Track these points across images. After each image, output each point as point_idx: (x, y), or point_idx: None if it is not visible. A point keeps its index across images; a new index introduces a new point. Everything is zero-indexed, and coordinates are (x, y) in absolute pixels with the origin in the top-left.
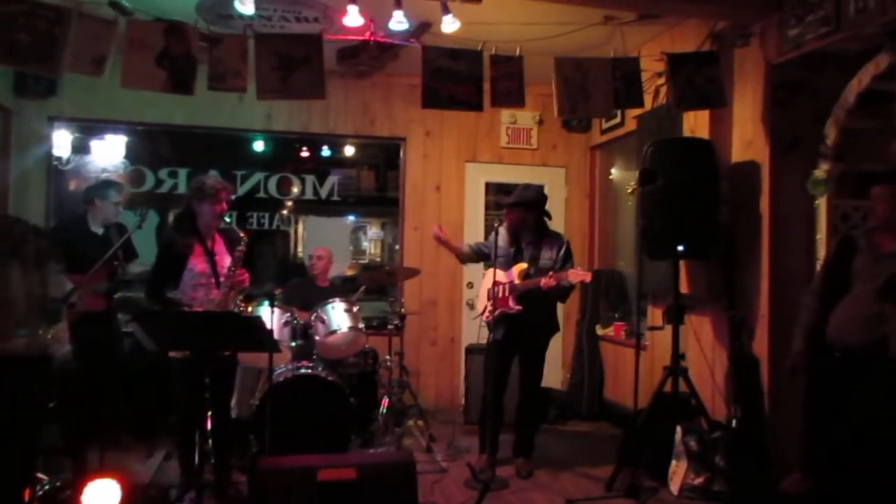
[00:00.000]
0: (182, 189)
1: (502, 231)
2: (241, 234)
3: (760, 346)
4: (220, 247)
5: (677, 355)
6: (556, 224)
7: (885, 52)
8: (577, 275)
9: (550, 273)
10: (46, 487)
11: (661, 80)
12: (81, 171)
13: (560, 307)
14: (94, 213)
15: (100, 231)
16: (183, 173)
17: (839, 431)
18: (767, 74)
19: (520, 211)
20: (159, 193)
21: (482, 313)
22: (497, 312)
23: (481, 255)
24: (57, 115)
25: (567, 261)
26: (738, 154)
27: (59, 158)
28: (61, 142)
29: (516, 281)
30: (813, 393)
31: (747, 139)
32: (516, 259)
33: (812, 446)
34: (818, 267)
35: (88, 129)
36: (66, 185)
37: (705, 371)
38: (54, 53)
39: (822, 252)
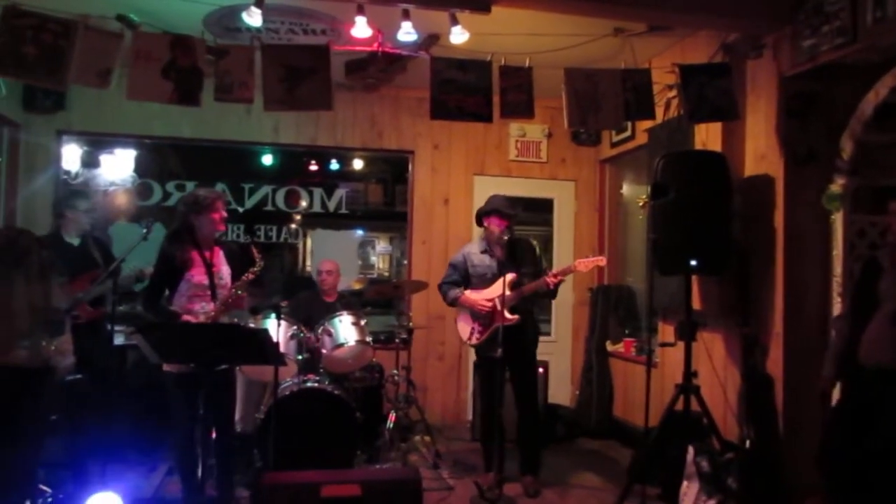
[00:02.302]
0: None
1: (474, 250)
2: (258, 259)
3: (775, 364)
4: (218, 258)
5: (689, 373)
6: (566, 238)
7: None
8: (587, 264)
9: (554, 271)
10: (49, 500)
11: (673, 93)
12: (90, 185)
13: (569, 322)
14: (67, 225)
15: (76, 242)
16: (190, 186)
17: (863, 453)
18: (781, 86)
19: (509, 218)
20: (167, 206)
21: (469, 337)
22: (493, 328)
23: (462, 284)
24: (65, 129)
25: (541, 261)
26: (751, 167)
27: (67, 172)
28: (70, 156)
29: (508, 292)
30: (838, 413)
31: (760, 152)
32: (501, 271)
33: (831, 468)
34: (834, 284)
35: (97, 142)
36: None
37: (717, 390)
38: (61, 66)
39: (838, 268)
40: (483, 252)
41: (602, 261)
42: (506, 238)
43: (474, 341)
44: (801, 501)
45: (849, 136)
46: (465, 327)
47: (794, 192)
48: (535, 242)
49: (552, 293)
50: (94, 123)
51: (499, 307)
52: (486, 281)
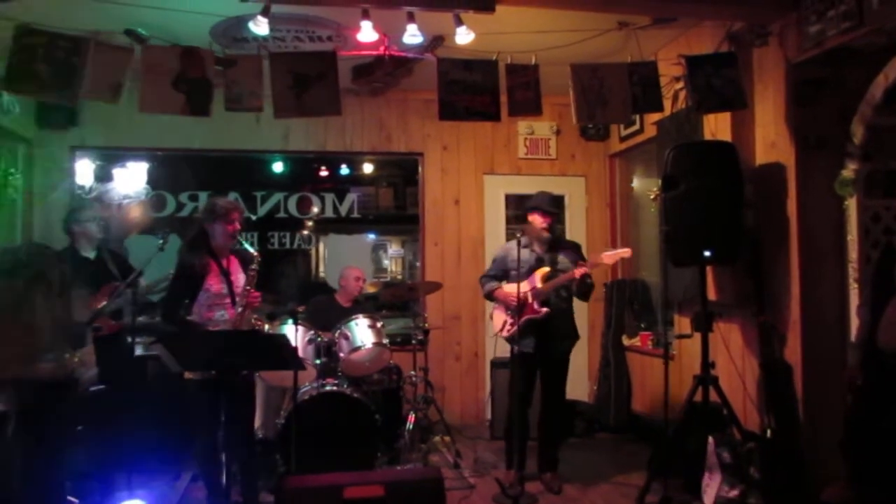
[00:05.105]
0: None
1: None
2: (255, 254)
3: (793, 352)
4: (234, 266)
5: (707, 364)
6: (578, 233)
7: None
8: (612, 256)
9: (580, 262)
10: None
11: (680, 85)
12: (104, 199)
13: (585, 318)
14: (79, 239)
15: (91, 255)
16: (203, 197)
17: (885, 438)
18: (788, 73)
19: (552, 215)
20: (180, 217)
21: (501, 329)
22: (522, 321)
23: (501, 277)
24: (78, 145)
25: (584, 260)
26: (761, 156)
27: (81, 187)
28: (84, 171)
29: (539, 285)
30: (860, 399)
31: (770, 140)
32: (538, 266)
33: (855, 454)
34: (850, 269)
35: (110, 157)
36: None
37: (736, 380)
38: (73, 83)
39: (853, 254)
40: (525, 247)
41: (627, 252)
42: (546, 235)
43: (504, 334)
44: (822, 488)
45: (859, 121)
46: (499, 320)
47: (806, 179)
48: (579, 242)
49: (584, 293)
50: (106, 138)
51: (530, 300)
52: (523, 274)
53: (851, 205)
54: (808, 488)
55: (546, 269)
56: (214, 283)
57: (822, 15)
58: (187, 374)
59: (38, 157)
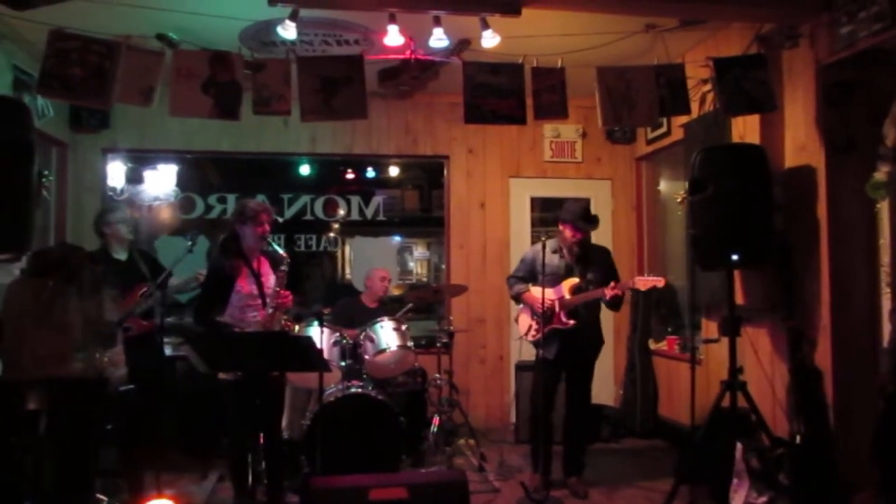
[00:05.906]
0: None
1: (548, 247)
2: (284, 256)
3: (823, 357)
4: (265, 268)
5: (735, 369)
6: (604, 237)
7: None
8: (646, 282)
9: (613, 283)
10: None
11: (708, 87)
12: (135, 201)
13: (610, 322)
14: (111, 241)
15: (123, 257)
16: (231, 199)
17: None
18: (818, 75)
19: (584, 233)
20: (209, 219)
21: (526, 333)
22: (547, 329)
23: (529, 279)
24: (110, 147)
25: (613, 272)
26: (791, 159)
27: (113, 189)
28: (115, 173)
29: (567, 296)
30: (892, 406)
31: (800, 143)
32: (567, 275)
33: (886, 461)
34: (882, 274)
35: (140, 159)
36: None
37: (765, 385)
38: (105, 86)
39: (885, 258)
40: (554, 252)
41: (661, 281)
42: (576, 249)
43: (529, 338)
44: (854, 496)
45: (891, 123)
46: (524, 323)
47: (836, 182)
48: (610, 250)
49: (615, 304)
50: (137, 140)
51: (557, 309)
52: (549, 281)
53: (883, 208)
54: (838, 495)
55: (575, 281)
56: (245, 285)
57: (854, 16)
58: (221, 375)
59: (71, 160)
